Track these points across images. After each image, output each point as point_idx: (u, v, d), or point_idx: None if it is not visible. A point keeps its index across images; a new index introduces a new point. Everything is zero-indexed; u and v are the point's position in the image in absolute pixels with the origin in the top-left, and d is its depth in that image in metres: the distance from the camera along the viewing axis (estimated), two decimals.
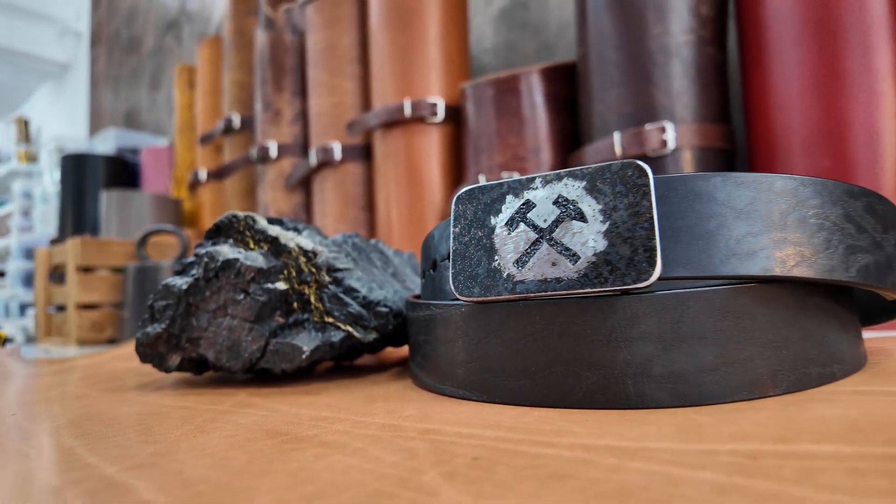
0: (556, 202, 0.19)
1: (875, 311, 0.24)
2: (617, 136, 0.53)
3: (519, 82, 0.62)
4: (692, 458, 0.12)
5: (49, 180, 1.84)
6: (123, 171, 1.38)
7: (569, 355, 0.18)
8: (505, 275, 0.19)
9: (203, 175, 1.09)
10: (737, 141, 0.60)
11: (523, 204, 0.19)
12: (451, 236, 0.20)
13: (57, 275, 0.72)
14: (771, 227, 0.18)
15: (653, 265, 0.17)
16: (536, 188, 0.19)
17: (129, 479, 0.14)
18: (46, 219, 1.80)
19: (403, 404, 0.20)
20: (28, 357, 0.46)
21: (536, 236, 0.19)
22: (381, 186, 0.72)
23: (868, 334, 0.30)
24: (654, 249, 0.17)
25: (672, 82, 0.53)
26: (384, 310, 0.27)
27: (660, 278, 0.17)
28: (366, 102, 0.80)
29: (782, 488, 0.11)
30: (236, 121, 1.01)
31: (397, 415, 0.19)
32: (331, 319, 0.26)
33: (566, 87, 0.63)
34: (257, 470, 0.14)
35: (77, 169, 1.35)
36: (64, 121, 2.41)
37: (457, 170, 0.70)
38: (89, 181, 1.34)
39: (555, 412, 0.18)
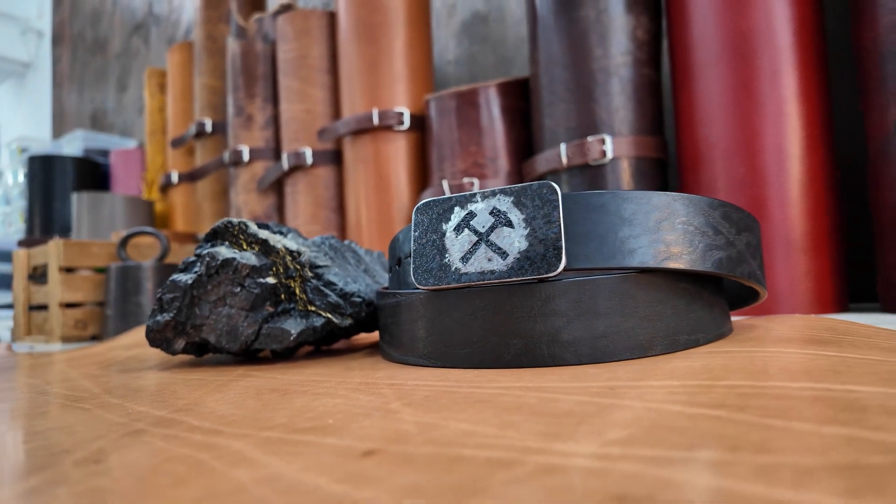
0: (491, 213, 0.25)
1: (745, 297, 0.31)
2: (563, 147, 0.60)
3: (478, 95, 0.68)
4: (573, 389, 0.18)
5: (11, 181, 1.83)
6: (93, 173, 1.39)
7: (500, 328, 0.24)
8: (453, 268, 0.25)
9: (175, 177, 1.12)
10: (669, 151, 0.68)
11: (467, 214, 0.25)
12: (412, 239, 0.26)
13: (37, 275, 0.75)
14: (648, 230, 0.24)
15: (560, 260, 0.23)
16: (477, 202, 0.25)
17: (177, 416, 0.19)
18: (9, 220, 1.78)
19: (375, 370, 0.26)
20: (25, 350, 0.49)
21: (476, 239, 0.25)
22: (351, 190, 0.77)
23: (742, 317, 0.37)
24: (560, 248, 0.23)
25: (611, 99, 0.60)
26: (358, 300, 0.32)
27: (565, 269, 0.23)
28: (335, 110, 0.85)
29: (621, 402, 0.17)
30: (208, 125, 1.05)
31: (371, 376, 0.24)
32: (313, 308, 0.31)
33: (521, 100, 0.70)
34: (270, 408, 0.19)
35: (45, 170, 1.36)
36: (26, 121, 2.38)
37: (422, 174, 0.75)
38: (57, 183, 1.35)
39: (490, 371, 0.24)
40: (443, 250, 0.25)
